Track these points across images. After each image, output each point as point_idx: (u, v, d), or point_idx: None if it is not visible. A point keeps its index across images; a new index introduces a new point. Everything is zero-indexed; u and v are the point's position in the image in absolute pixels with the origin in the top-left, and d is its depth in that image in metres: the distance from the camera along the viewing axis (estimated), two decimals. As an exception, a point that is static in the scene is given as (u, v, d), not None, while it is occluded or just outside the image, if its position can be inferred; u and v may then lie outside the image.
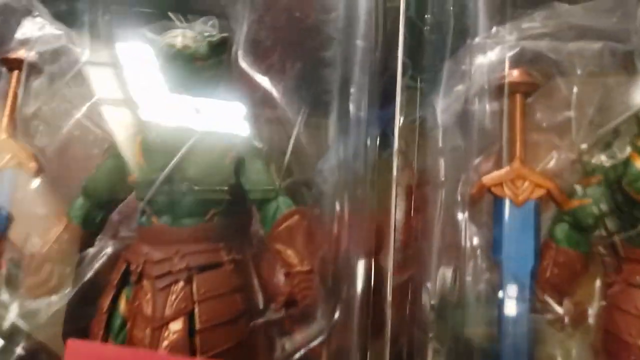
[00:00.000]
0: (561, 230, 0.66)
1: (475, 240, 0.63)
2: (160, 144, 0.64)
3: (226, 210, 0.66)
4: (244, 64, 0.68)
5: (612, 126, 0.66)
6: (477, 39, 0.72)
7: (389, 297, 0.70)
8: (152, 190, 0.63)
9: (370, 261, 0.73)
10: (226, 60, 0.69)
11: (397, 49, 0.77)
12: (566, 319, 0.61)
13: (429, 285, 0.71)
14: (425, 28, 0.79)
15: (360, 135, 0.75)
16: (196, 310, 0.60)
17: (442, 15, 0.78)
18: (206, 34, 0.68)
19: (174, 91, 0.63)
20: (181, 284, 0.60)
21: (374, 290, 0.72)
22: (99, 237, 0.68)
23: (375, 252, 0.74)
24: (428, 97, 0.77)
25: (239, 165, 0.66)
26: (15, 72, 0.67)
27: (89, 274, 0.65)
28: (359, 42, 0.73)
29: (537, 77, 0.64)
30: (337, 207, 0.72)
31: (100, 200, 0.67)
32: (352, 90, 0.74)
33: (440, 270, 0.70)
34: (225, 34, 0.68)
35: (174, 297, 0.60)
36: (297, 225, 0.63)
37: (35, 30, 0.67)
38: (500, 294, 0.61)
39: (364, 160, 0.76)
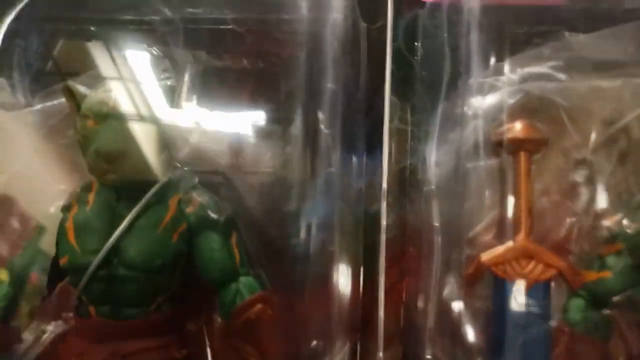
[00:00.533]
0: (576, 308, 0.55)
1: (471, 334, 0.53)
2: (94, 220, 0.54)
3: (177, 295, 0.56)
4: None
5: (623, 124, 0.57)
6: (473, 79, 0.60)
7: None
8: (85, 277, 0.52)
9: (354, 340, 0.63)
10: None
11: (383, 86, 0.67)
12: None
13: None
14: (415, 58, 0.69)
15: (335, 189, 0.65)
16: None
17: (435, 47, 0.67)
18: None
19: (108, 156, 0.52)
20: (121, 393, 0.50)
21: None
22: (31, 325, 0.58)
23: (361, 330, 0.64)
24: (420, 142, 0.66)
25: (190, 242, 0.55)
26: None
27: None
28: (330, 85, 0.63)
29: (544, 131, 0.53)
30: (315, 276, 0.63)
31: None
32: (322, 143, 0.63)
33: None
34: (172, 82, 0.57)
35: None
36: (259, 317, 0.53)
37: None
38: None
39: (342, 218, 0.66)
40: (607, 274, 0.55)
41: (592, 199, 0.55)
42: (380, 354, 0.60)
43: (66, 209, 0.56)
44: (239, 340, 0.53)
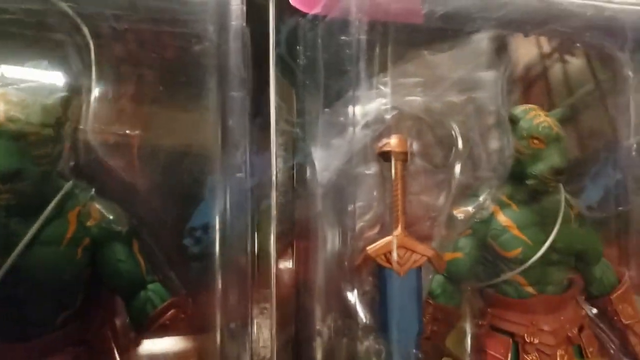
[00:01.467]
0: (437, 283, 0.69)
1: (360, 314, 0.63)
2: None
3: (83, 309, 0.56)
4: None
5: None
6: (354, 91, 0.69)
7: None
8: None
9: (249, 328, 0.68)
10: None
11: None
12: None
13: (314, 344, 0.70)
14: (298, 63, 0.74)
15: (241, 186, 0.69)
16: None
17: (315, 56, 0.73)
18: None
19: (3, 177, 0.49)
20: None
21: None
22: None
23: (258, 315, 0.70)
24: (306, 144, 0.73)
25: (94, 256, 0.55)
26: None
27: None
28: (234, 94, 0.66)
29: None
30: (214, 272, 0.66)
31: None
32: (230, 139, 0.66)
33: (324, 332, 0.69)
34: (67, 91, 0.55)
35: None
36: (173, 322, 0.56)
37: None
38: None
39: (243, 213, 0.70)
40: (459, 255, 0.69)
41: (449, 196, 0.68)
42: (273, 331, 0.67)
43: None
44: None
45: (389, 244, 0.61)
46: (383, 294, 0.62)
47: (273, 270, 0.69)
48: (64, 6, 0.58)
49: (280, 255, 0.72)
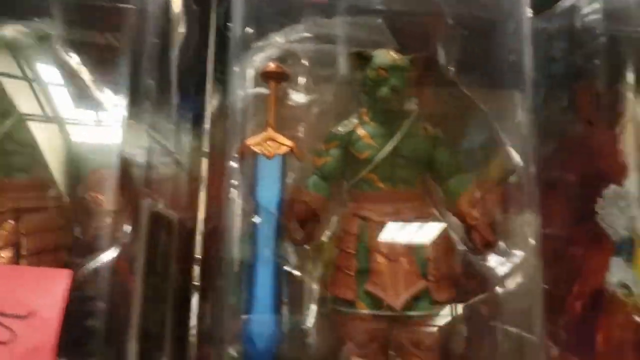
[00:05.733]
0: (312, 180, 0.95)
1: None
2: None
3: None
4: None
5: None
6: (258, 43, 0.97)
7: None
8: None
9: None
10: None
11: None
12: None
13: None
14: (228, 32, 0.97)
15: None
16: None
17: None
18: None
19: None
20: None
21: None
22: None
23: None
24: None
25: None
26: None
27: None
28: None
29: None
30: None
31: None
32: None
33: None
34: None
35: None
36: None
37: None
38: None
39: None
40: (330, 159, 0.96)
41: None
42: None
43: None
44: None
45: (262, 136, 0.90)
46: (256, 172, 0.91)
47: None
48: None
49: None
